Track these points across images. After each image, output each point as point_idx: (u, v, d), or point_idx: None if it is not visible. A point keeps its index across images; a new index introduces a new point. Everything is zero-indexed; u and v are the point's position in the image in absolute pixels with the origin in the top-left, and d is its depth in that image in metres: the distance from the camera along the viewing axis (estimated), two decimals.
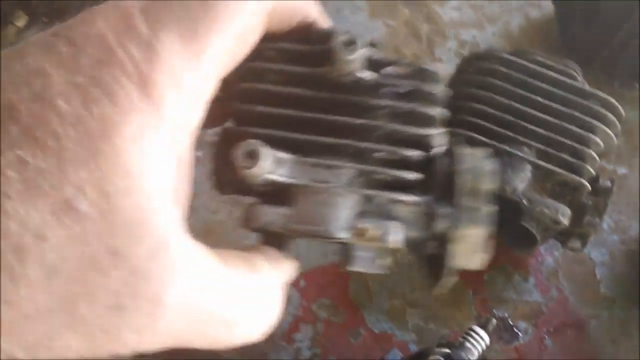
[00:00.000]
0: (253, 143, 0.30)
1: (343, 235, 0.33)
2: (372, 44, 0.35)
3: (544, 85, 0.72)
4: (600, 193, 0.73)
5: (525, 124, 0.70)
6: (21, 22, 1.04)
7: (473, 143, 0.69)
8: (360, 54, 0.32)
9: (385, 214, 0.34)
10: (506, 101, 0.71)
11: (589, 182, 0.70)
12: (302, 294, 0.79)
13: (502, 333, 0.79)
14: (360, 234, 0.33)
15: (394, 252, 0.36)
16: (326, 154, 0.33)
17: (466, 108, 0.72)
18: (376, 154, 0.34)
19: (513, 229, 0.70)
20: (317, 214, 0.33)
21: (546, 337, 0.79)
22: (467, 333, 0.68)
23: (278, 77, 0.34)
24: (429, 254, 0.37)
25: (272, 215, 0.33)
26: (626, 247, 0.85)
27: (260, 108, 0.34)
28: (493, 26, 1.01)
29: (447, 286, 0.37)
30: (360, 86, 0.34)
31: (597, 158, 0.71)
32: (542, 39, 1.00)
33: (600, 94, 0.73)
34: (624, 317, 0.81)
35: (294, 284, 0.79)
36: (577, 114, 0.71)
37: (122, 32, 0.25)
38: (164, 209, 0.25)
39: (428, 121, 0.35)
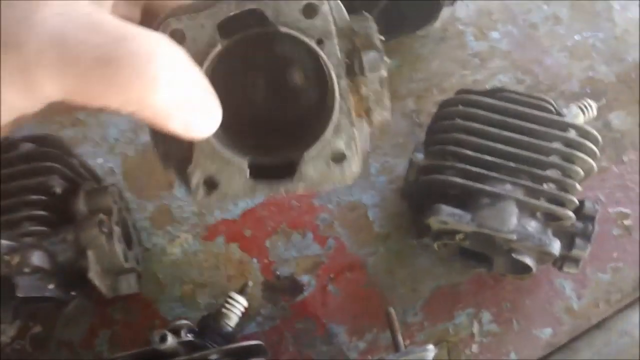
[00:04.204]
0: None
1: None
2: None
3: (523, 123, 0.76)
4: (586, 218, 0.76)
5: (508, 162, 0.74)
6: None
7: (459, 189, 0.74)
8: None
9: None
10: (488, 143, 0.75)
11: (573, 210, 0.74)
12: (94, 301, 0.84)
13: (288, 290, 0.86)
14: None
15: None
16: None
17: (450, 152, 0.76)
18: None
19: (506, 260, 0.75)
20: None
21: (328, 283, 0.86)
22: (226, 300, 0.74)
23: None
24: None
25: None
26: (395, 186, 0.92)
27: None
28: None
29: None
30: None
31: (579, 187, 0.75)
32: None
33: (578, 124, 0.78)
34: (399, 248, 0.88)
35: None
36: (557, 146, 0.76)
37: None
38: None
39: None
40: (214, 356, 0.65)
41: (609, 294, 0.85)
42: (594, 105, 0.85)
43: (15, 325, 0.83)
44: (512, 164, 0.73)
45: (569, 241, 0.74)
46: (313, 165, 0.39)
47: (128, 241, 0.78)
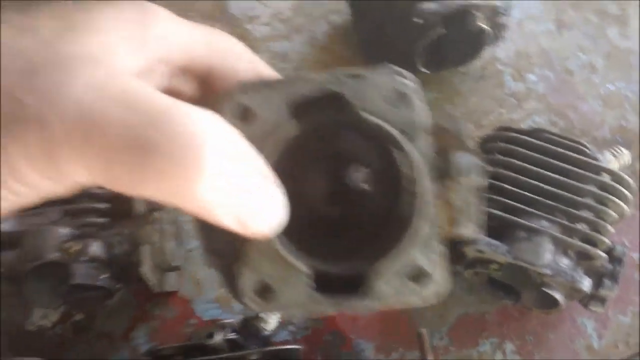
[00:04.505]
0: None
1: None
2: None
3: (561, 164, 0.80)
4: (614, 260, 0.79)
5: (545, 200, 0.78)
6: None
7: (497, 221, 0.77)
8: None
9: None
10: (527, 180, 0.79)
11: (604, 251, 0.78)
12: (135, 295, 0.88)
13: None
14: None
15: None
16: None
17: (490, 185, 0.79)
18: None
19: (535, 294, 0.78)
20: None
21: None
22: None
23: None
24: None
25: None
26: None
27: None
28: (300, 36, 1.12)
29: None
30: None
31: (611, 229, 0.79)
32: (344, 41, 1.11)
33: (613, 169, 0.82)
34: None
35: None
36: (592, 189, 0.80)
37: None
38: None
39: None
40: (255, 356, 0.68)
41: (629, 337, 0.88)
42: (627, 152, 0.89)
43: (59, 311, 0.86)
44: (549, 202, 0.77)
45: (597, 281, 0.78)
46: (387, 281, 0.33)
47: (177, 241, 0.82)
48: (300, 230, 0.33)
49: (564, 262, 0.75)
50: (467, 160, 0.34)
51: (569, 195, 0.77)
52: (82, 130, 0.25)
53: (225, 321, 0.72)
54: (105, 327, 0.86)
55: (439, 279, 0.33)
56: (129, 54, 0.30)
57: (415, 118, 0.33)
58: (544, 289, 0.75)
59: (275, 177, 0.30)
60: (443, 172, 0.34)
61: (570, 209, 0.77)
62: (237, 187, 0.28)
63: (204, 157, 0.26)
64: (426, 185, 0.33)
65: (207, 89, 0.36)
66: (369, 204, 0.37)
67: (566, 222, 0.76)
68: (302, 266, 0.33)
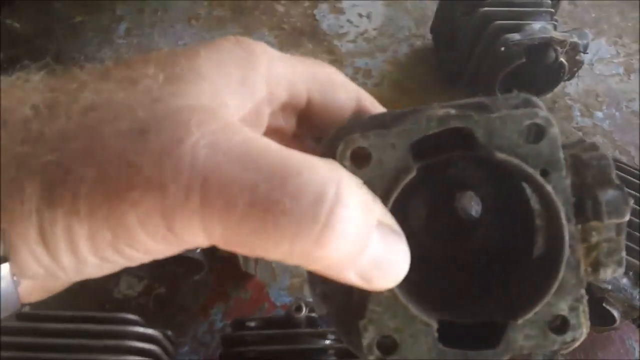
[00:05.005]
0: None
1: None
2: None
3: (628, 190, 0.86)
4: None
5: None
6: None
7: None
8: None
9: None
10: None
11: None
12: (215, 276, 0.95)
13: None
14: None
15: None
16: None
17: None
18: None
19: (593, 310, 0.83)
20: None
21: None
22: None
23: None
24: None
25: None
26: None
27: None
28: (383, 55, 1.19)
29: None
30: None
31: None
32: (423, 63, 1.18)
33: None
34: None
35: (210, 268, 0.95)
36: None
37: None
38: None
39: None
40: (332, 335, 0.74)
41: None
42: None
43: (143, 283, 0.94)
44: None
45: None
46: (524, 332, 0.31)
47: None
48: (419, 275, 0.30)
49: (623, 282, 0.80)
50: (614, 198, 0.30)
51: (634, 218, 0.82)
52: (201, 193, 0.24)
53: (307, 300, 0.78)
54: (184, 302, 0.93)
55: (580, 326, 0.31)
56: (238, 101, 0.29)
57: (554, 153, 0.30)
58: (604, 304, 0.80)
59: (399, 228, 0.28)
60: (588, 212, 0.31)
61: (632, 231, 0.82)
62: (364, 245, 0.26)
63: (335, 218, 0.24)
64: (569, 227, 0.30)
65: (305, 123, 0.35)
66: (491, 242, 0.35)
67: (629, 243, 0.81)
68: (427, 318, 0.31)
